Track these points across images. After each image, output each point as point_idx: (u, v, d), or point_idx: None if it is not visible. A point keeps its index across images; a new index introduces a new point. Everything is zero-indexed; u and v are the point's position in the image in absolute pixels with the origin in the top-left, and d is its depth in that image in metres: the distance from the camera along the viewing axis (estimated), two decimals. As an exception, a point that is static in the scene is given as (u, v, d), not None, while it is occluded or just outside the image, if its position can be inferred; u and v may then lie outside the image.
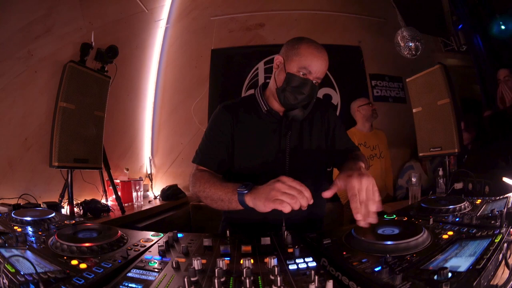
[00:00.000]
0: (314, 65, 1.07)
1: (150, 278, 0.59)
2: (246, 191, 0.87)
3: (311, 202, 0.80)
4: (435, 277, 0.53)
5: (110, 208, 2.16)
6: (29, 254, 0.68)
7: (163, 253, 0.72)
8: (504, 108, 2.21)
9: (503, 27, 2.53)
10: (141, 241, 0.83)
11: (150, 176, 3.20)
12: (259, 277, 0.58)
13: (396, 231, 0.77)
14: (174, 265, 0.64)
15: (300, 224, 1.13)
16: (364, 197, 0.79)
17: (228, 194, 0.93)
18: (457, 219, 0.88)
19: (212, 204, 1.00)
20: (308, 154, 1.18)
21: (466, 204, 0.98)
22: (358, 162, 0.95)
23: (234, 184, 0.93)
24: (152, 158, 3.27)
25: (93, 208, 2.00)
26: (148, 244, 0.80)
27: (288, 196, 0.79)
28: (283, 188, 0.80)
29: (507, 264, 0.58)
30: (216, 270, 0.57)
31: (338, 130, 1.25)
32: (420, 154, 2.30)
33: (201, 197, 1.03)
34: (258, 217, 0.93)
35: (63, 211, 1.95)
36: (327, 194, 0.86)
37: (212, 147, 1.14)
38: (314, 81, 1.09)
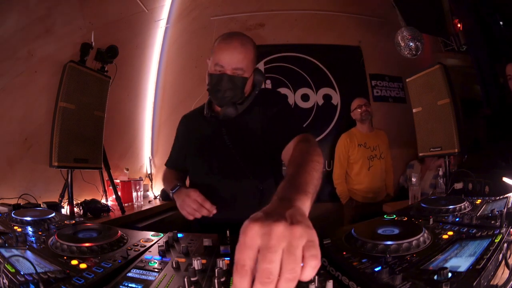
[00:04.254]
0: (224, 58, 1.04)
1: (150, 278, 0.59)
2: (173, 191, 1.13)
3: (213, 212, 1.02)
4: (435, 277, 0.53)
5: (110, 208, 2.16)
6: (29, 254, 0.68)
7: (163, 253, 0.72)
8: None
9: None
10: (141, 241, 0.83)
11: (150, 176, 3.20)
12: (259, 277, 0.58)
13: (396, 231, 0.77)
14: (174, 265, 0.64)
15: None
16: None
17: (168, 189, 1.19)
18: (457, 219, 0.87)
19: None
20: (250, 149, 1.13)
21: (466, 204, 0.98)
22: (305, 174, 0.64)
23: (175, 183, 1.15)
24: (152, 158, 3.27)
25: (93, 208, 2.00)
26: (148, 244, 0.80)
27: (188, 209, 1.03)
28: (188, 201, 1.03)
29: (507, 264, 0.58)
30: (216, 270, 0.57)
31: (277, 114, 1.11)
32: (420, 154, 2.30)
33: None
34: (231, 218, 0.89)
35: (63, 211, 1.94)
36: None
37: (174, 153, 1.39)
38: (232, 73, 1.04)
